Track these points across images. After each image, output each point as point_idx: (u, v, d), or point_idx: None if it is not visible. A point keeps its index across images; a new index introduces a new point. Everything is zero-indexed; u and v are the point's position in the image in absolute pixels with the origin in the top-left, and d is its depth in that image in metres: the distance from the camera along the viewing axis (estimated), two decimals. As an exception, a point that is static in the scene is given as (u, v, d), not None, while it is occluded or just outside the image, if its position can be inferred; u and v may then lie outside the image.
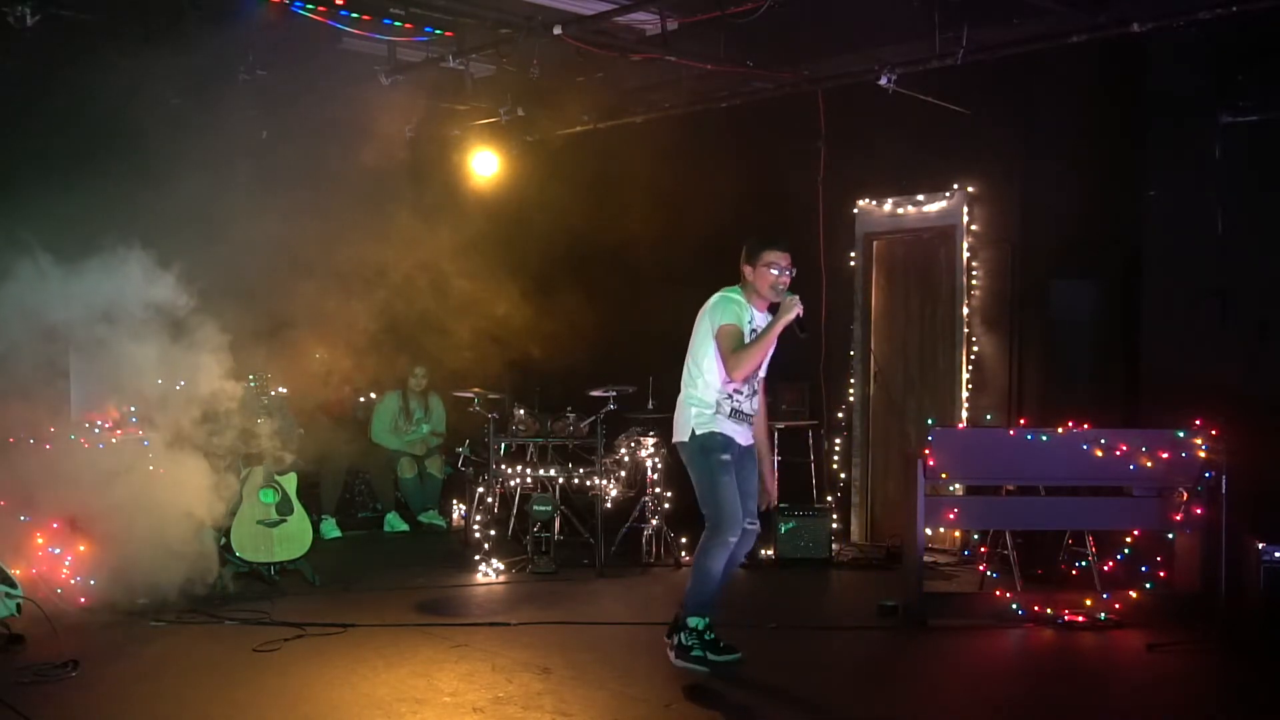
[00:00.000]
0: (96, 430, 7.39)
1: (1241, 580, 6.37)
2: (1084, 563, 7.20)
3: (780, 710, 5.35)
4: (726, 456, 5.58)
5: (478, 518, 8.70)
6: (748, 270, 5.67)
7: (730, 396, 5.62)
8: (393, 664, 5.84)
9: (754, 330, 5.59)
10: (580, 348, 9.90)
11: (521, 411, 8.88)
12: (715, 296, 5.66)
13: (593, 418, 8.44)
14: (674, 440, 5.78)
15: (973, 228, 8.64)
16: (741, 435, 5.68)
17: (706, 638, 5.58)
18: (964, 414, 8.60)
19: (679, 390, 5.76)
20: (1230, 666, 6.03)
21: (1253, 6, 6.56)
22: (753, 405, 5.73)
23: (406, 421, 10.00)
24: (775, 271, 5.58)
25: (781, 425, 8.71)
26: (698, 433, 5.62)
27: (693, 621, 5.55)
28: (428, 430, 10.07)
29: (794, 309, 5.47)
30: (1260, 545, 6.23)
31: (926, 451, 6.67)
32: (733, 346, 5.51)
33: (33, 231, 6.74)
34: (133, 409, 7.52)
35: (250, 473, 7.54)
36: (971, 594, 7.25)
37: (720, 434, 5.59)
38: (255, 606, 6.87)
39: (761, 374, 5.77)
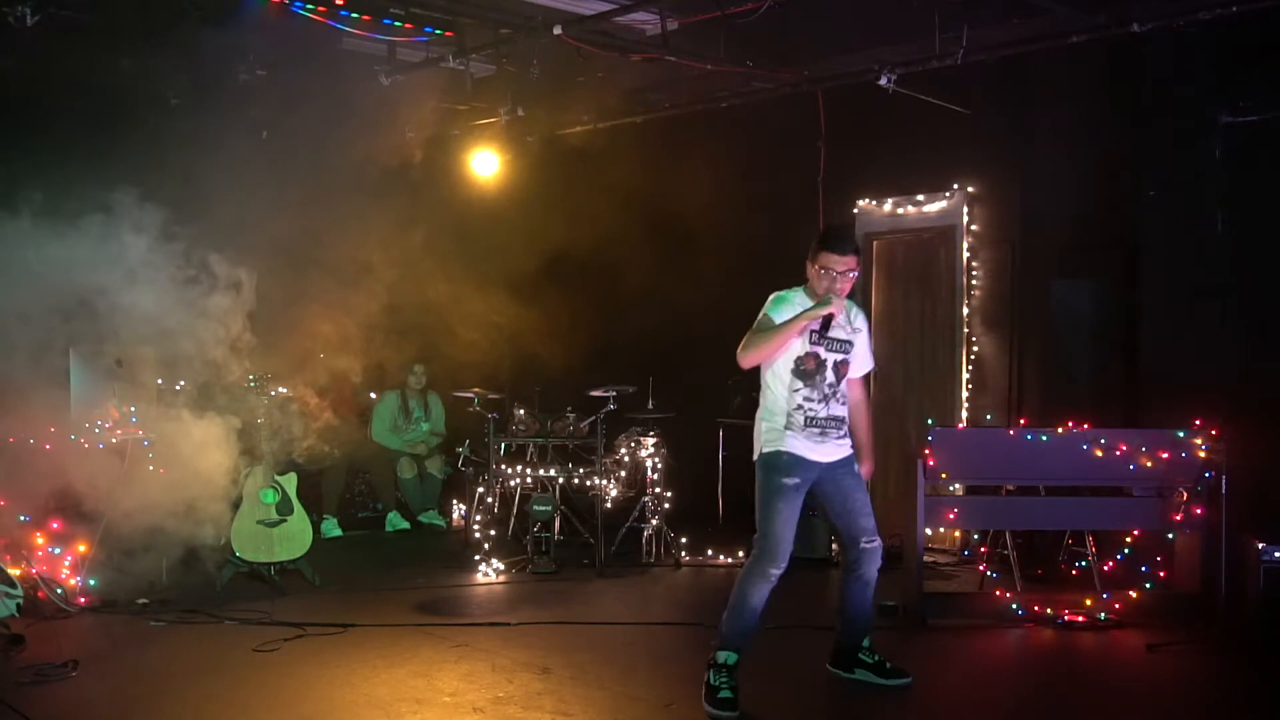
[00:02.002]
0: (96, 430, 7.39)
1: (1241, 580, 6.37)
2: (1084, 563, 7.20)
3: (780, 710, 5.35)
4: (789, 480, 5.21)
5: (478, 518, 8.70)
6: (809, 267, 5.34)
7: (800, 406, 5.23)
8: (393, 664, 5.84)
9: (810, 328, 5.24)
10: (580, 348, 9.91)
11: (521, 411, 8.89)
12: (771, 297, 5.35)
13: (593, 418, 8.44)
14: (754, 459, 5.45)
15: (973, 228, 8.64)
16: (820, 451, 5.28)
17: (866, 656, 5.51)
18: (964, 414, 8.60)
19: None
20: (1230, 666, 6.03)
21: (1253, 6, 6.55)
22: (831, 409, 5.29)
23: (406, 421, 10.00)
24: (834, 275, 5.23)
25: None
26: (764, 450, 5.28)
27: (722, 656, 5.18)
28: (427, 429, 10.08)
29: (826, 309, 5.14)
30: (1260, 545, 6.24)
31: (926, 451, 6.68)
32: (752, 332, 5.20)
33: (33, 228, 6.76)
34: (133, 409, 7.53)
35: (250, 473, 7.55)
36: (971, 594, 7.26)
37: (786, 453, 5.22)
38: (255, 606, 6.87)
39: (831, 377, 5.29)
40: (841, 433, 5.37)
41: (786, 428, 5.25)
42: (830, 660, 5.71)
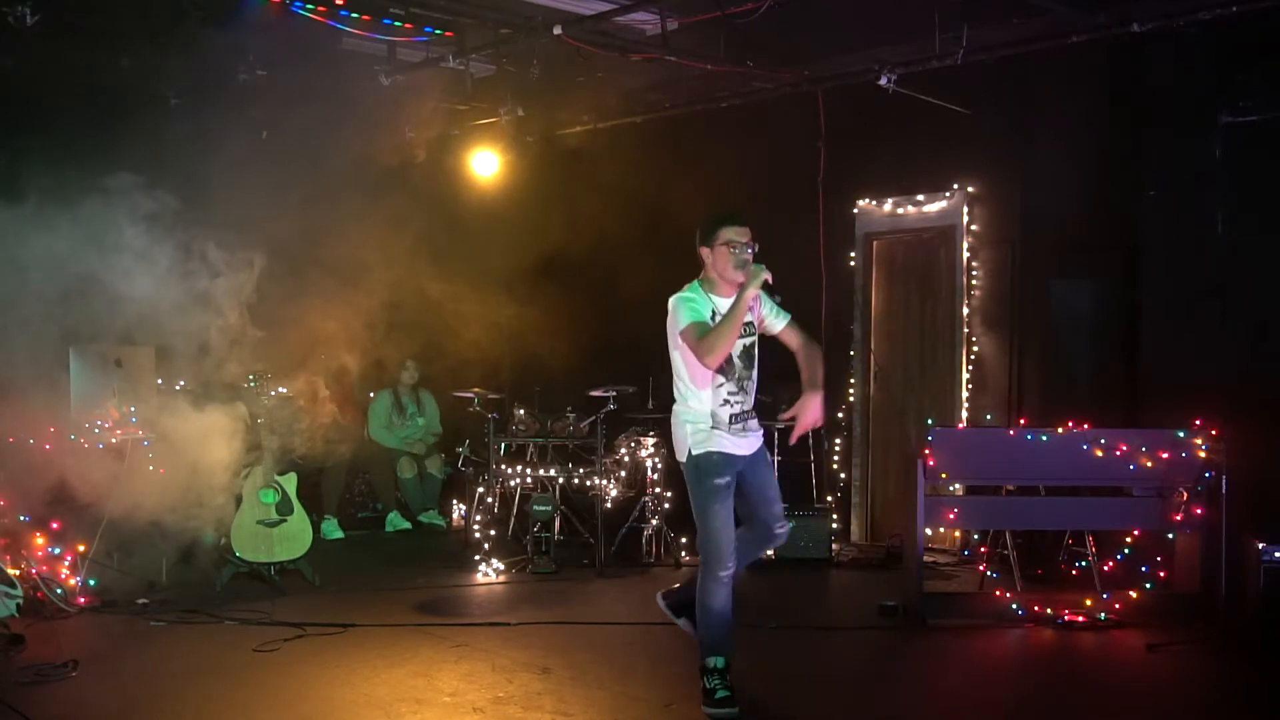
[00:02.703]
0: (96, 430, 7.39)
1: (1241, 580, 6.37)
2: (1084, 563, 7.20)
3: (780, 710, 5.35)
4: (721, 480, 5.20)
5: (478, 518, 8.70)
6: (705, 253, 5.27)
7: (726, 401, 5.22)
8: (393, 664, 5.84)
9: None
10: (580, 348, 9.91)
11: (521, 411, 8.89)
12: (670, 302, 5.26)
13: (593, 418, 8.45)
14: (678, 459, 5.44)
15: (973, 228, 8.64)
16: (744, 445, 5.28)
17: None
18: (964, 414, 8.60)
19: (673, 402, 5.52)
20: (1230, 666, 6.03)
21: (1253, 6, 6.55)
22: (748, 401, 5.32)
23: (400, 417, 10.01)
24: (736, 251, 5.17)
25: (781, 425, 8.71)
26: (694, 453, 5.24)
27: (711, 662, 5.21)
28: (423, 424, 10.08)
29: (762, 275, 5.07)
30: (1260, 545, 6.23)
31: (926, 451, 6.68)
32: (699, 335, 5.08)
33: (33, 228, 6.76)
34: (133, 409, 7.53)
35: (250, 473, 7.55)
36: (971, 594, 7.26)
37: (718, 453, 5.20)
38: (255, 606, 6.87)
39: (741, 366, 5.26)
40: (755, 422, 5.38)
41: (714, 427, 5.23)
42: (666, 597, 5.68)
